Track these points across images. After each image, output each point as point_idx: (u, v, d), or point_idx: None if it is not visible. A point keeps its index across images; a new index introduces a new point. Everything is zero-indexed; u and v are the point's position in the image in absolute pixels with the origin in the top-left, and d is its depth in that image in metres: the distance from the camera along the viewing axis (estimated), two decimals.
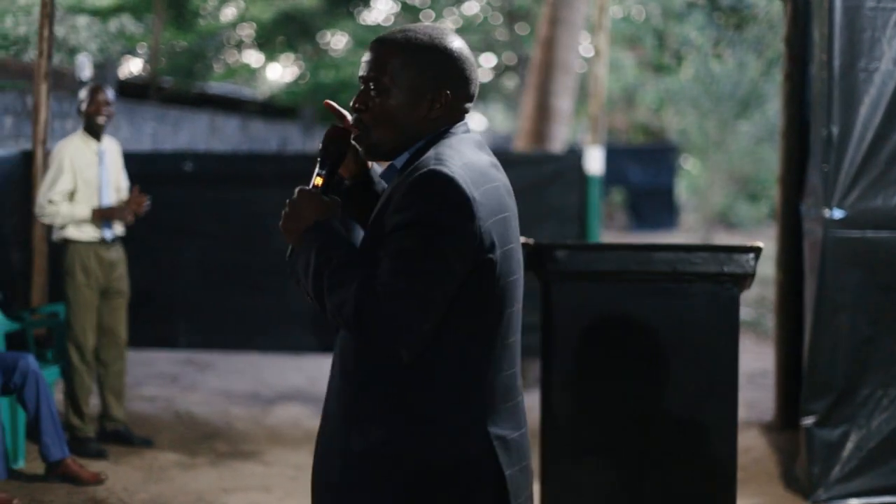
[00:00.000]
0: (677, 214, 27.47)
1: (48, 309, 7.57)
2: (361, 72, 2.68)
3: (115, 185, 7.46)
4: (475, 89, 2.76)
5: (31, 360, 6.46)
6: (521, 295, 2.73)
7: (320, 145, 2.74)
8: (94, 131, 7.34)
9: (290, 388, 9.60)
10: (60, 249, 7.26)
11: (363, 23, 24.53)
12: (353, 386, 2.65)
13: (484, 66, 21.90)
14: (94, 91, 7.34)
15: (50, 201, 7.15)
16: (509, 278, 2.65)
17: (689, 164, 28.57)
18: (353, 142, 2.76)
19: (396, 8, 23.49)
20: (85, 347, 7.24)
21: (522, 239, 4.93)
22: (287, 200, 2.67)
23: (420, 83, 2.66)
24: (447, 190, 2.51)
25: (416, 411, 2.58)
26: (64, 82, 11.29)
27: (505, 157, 9.31)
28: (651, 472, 4.78)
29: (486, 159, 2.68)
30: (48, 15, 8.19)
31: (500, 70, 21.18)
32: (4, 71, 10.84)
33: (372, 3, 24.16)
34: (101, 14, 26.43)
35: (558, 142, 9.34)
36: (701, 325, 4.74)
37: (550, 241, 5.25)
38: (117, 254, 7.39)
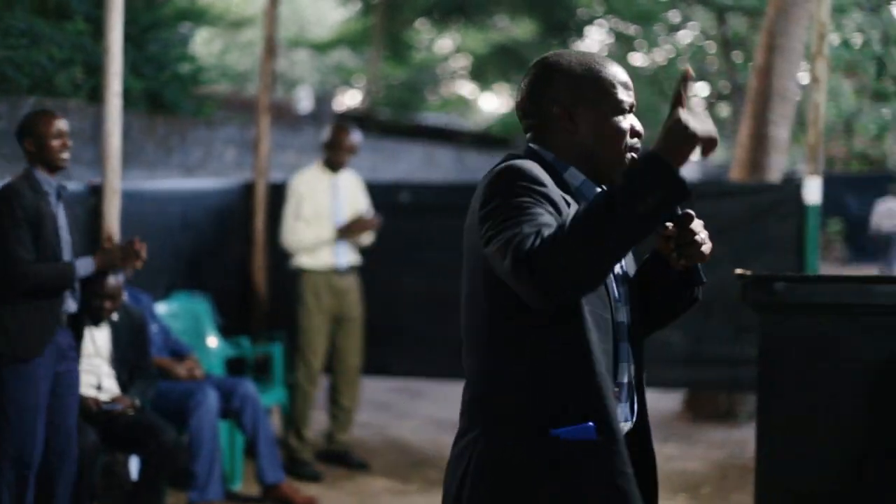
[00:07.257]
0: None
1: (266, 335, 7.79)
2: (634, 100, 2.74)
3: (353, 216, 7.56)
4: None
5: (249, 386, 6.64)
6: None
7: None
8: (332, 166, 7.54)
9: None
10: (294, 277, 7.49)
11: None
12: None
13: (699, 95, 21.62)
14: (339, 132, 7.56)
15: (292, 231, 7.42)
16: None
17: None
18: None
19: (610, 38, 23.39)
20: (312, 370, 7.48)
21: (739, 270, 4.83)
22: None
23: None
24: None
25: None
26: (284, 115, 11.59)
27: (720, 186, 9.16)
28: None
29: None
30: (270, 50, 8.44)
31: (713, 99, 20.88)
32: (228, 104, 11.22)
33: (585, 33, 24.11)
34: (321, 48, 27.14)
35: (775, 171, 9.08)
36: None
37: (768, 273, 5.13)
38: (349, 282, 7.59)
